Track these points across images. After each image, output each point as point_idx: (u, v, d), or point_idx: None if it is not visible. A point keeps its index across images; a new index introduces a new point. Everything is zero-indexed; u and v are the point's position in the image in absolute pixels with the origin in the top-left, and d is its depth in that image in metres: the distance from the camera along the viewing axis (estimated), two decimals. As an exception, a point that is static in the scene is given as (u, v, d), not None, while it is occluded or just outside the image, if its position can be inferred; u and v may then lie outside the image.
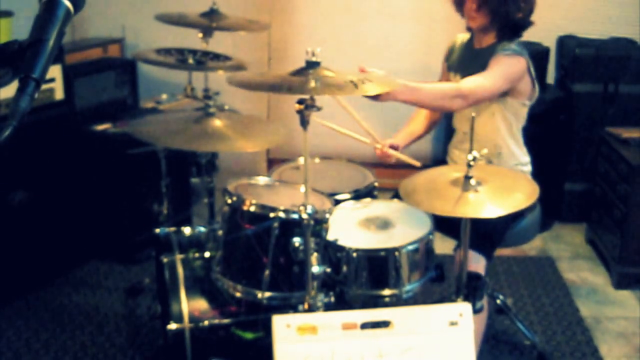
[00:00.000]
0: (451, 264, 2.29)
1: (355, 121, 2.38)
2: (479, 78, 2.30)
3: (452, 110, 2.41)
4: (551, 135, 3.72)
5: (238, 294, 2.08)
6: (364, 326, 1.44)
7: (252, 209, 2.04)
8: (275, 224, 1.99)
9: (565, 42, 3.89)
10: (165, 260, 2.38)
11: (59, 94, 3.15)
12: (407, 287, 2.04)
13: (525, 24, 2.41)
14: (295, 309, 2.05)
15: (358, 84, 1.86)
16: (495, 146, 2.44)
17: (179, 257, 2.40)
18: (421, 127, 2.68)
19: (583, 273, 3.41)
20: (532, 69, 2.40)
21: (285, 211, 2.00)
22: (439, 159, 2.68)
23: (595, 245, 3.61)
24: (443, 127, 3.58)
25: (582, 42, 3.81)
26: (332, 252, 2.03)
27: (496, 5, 2.34)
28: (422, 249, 2.07)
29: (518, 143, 2.51)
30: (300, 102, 1.80)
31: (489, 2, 2.34)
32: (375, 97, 2.07)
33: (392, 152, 2.46)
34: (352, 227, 2.14)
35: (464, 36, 2.60)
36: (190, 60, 2.56)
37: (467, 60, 2.51)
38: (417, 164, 2.46)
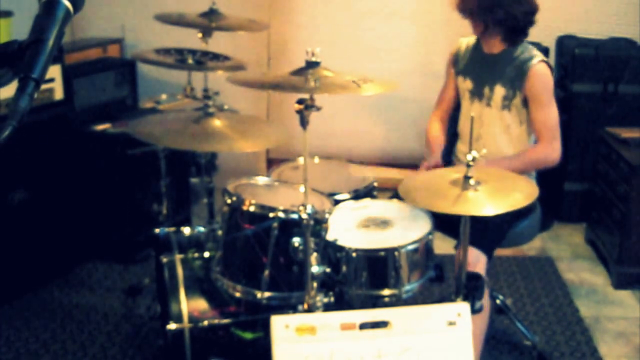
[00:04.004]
0: (451, 263, 2.29)
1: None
2: (541, 119, 2.41)
3: (555, 160, 2.46)
4: (551, 135, 3.72)
5: (237, 294, 2.08)
6: (363, 326, 1.44)
7: (252, 209, 2.04)
8: (275, 224, 1.99)
9: (565, 42, 3.90)
10: (164, 260, 2.38)
11: (59, 94, 3.15)
12: (407, 287, 2.04)
13: (527, 23, 2.41)
14: (294, 309, 2.05)
15: (360, 83, 1.87)
16: (503, 154, 2.46)
17: (178, 257, 2.40)
18: (443, 135, 2.70)
19: (583, 273, 3.41)
20: (548, 61, 2.44)
21: (284, 211, 2.00)
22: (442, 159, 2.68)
23: (595, 245, 3.61)
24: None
25: (581, 42, 3.81)
26: (331, 252, 2.03)
27: (483, 13, 2.35)
28: (422, 249, 2.07)
29: (525, 149, 2.52)
30: (300, 102, 1.80)
31: (476, 11, 2.36)
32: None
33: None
34: (351, 227, 2.14)
35: (469, 40, 2.60)
36: (190, 60, 2.56)
37: (477, 65, 2.52)
38: None
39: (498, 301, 2.79)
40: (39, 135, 3.02)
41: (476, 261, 2.18)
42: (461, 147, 2.64)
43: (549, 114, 2.42)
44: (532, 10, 2.40)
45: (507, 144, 2.49)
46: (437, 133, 2.66)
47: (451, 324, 1.46)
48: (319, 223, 1.93)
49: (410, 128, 4.02)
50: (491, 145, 2.46)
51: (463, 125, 2.63)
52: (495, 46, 2.47)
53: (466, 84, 2.55)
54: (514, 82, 2.41)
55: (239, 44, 3.87)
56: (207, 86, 2.56)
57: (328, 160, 2.66)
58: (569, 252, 3.63)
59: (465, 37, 2.62)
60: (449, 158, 2.68)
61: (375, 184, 2.45)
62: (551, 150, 2.42)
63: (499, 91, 2.44)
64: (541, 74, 2.39)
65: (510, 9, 2.35)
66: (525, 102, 2.43)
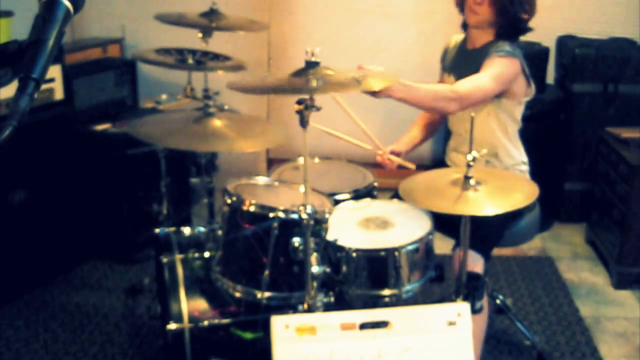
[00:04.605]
0: (450, 264, 2.29)
1: (358, 127, 2.38)
2: (473, 79, 2.29)
3: (447, 112, 2.39)
4: (551, 135, 3.72)
5: (238, 294, 2.08)
6: (363, 326, 1.44)
7: (252, 209, 2.04)
8: (275, 224, 1.99)
9: (565, 42, 3.90)
10: (165, 260, 2.39)
11: (59, 94, 3.15)
12: (407, 287, 2.04)
13: (526, 28, 2.41)
14: (294, 309, 2.05)
15: (360, 80, 1.87)
16: (491, 147, 2.43)
17: (178, 257, 2.40)
18: (422, 132, 2.68)
19: (583, 273, 3.41)
20: (526, 69, 2.39)
21: (284, 211, 1.99)
22: (438, 160, 2.67)
23: (595, 245, 3.61)
24: (442, 128, 3.58)
25: (582, 42, 3.81)
26: (331, 252, 2.03)
27: (505, 2, 2.33)
28: (422, 249, 2.07)
29: (514, 143, 2.50)
30: (299, 102, 1.80)
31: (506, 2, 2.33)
32: (372, 93, 2.08)
33: (393, 158, 2.46)
34: (351, 227, 2.14)
35: (458, 37, 2.60)
36: (190, 60, 2.56)
37: (460, 61, 2.51)
38: (412, 166, 2.46)
39: (498, 301, 2.79)
40: (39, 136, 3.02)
41: (473, 262, 2.17)
42: (452, 144, 2.63)
43: (482, 80, 2.28)
44: (533, 15, 2.41)
45: (492, 136, 2.46)
46: (415, 129, 2.67)
47: (451, 324, 1.46)
48: (319, 223, 1.93)
49: (411, 128, 4.02)
50: (478, 139, 2.40)
51: (452, 124, 2.61)
52: (481, 40, 2.44)
53: (450, 80, 2.54)
54: None
55: (239, 44, 3.87)
56: (207, 86, 2.56)
57: (328, 160, 2.66)
58: (569, 252, 3.63)
59: (456, 35, 2.62)
60: (442, 157, 2.67)
61: (376, 184, 2.46)
62: (455, 96, 2.23)
63: None
64: (498, 56, 2.32)
65: (526, 7, 2.35)
66: (500, 94, 2.37)
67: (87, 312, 2.97)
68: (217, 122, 2.27)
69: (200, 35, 2.68)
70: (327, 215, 1.96)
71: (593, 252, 3.61)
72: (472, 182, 1.89)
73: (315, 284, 1.90)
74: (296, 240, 1.96)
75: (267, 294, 2.03)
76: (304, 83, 1.83)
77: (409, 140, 2.63)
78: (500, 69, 2.32)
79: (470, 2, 2.37)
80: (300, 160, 2.48)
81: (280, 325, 1.43)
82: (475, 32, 2.45)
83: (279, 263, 2.01)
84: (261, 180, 2.34)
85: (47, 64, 0.90)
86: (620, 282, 3.25)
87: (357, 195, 2.35)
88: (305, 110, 1.79)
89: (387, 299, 2.02)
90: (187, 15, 2.77)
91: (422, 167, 2.57)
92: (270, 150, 4.30)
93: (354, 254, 2.01)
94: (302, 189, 1.93)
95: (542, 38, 3.76)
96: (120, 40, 4.09)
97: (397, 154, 2.50)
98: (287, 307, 2.06)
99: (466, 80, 2.30)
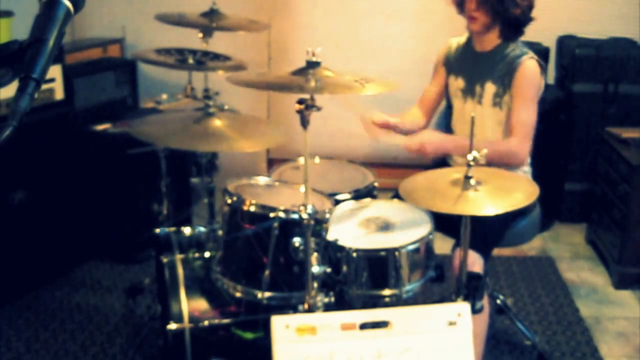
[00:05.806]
0: (450, 264, 2.28)
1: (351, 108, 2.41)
2: (520, 112, 2.35)
3: (521, 161, 2.41)
4: (551, 136, 3.72)
5: (238, 294, 2.08)
6: (363, 326, 1.44)
7: (252, 209, 2.04)
8: (275, 224, 1.99)
9: (565, 42, 3.90)
10: (165, 260, 2.38)
11: (59, 94, 3.16)
12: (407, 287, 2.04)
13: (526, 20, 2.42)
14: (295, 309, 2.04)
15: (362, 83, 1.87)
16: None
17: (179, 257, 2.40)
18: (415, 118, 2.70)
19: (583, 273, 3.41)
20: (540, 60, 2.42)
21: (285, 211, 1.99)
22: (439, 160, 2.68)
23: (595, 245, 3.61)
24: (443, 127, 3.58)
25: (582, 42, 3.81)
26: (332, 252, 2.03)
27: (495, 3, 2.34)
28: (422, 249, 2.07)
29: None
30: (300, 102, 1.80)
31: (487, 1, 2.34)
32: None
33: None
34: (352, 227, 2.14)
35: (459, 39, 2.61)
36: (190, 60, 2.56)
37: (469, 64, 2.52)
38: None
39: (498, 301, 2.79)
40: (40, 136, 3.02)
41: (473, 262, 2.17)
42: None
43: (527, 112, 2.37)
44: (532, 6, 2.41)
45: (499, 139, 2.47)
46: (411, 114, 2.70)
47: (451, 324, 1.46)
48: (319, 223, 1.93)
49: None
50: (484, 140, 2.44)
51: (455, 125, 2.62)
52: (490, 43, 2.46)
53: (458, 83, 2.55)
54: (504, 79, 2.40)
55: (239, 44, 3.87)
56: (207, 86, 2.56)
57: (328, 160, 2.66)
58: (569, 252, 3.63)
59: (455, 37, 2.63)
60: (443, 157, 2.68)
61: (376, 184, 2.45)
62: (521, 148, 2.36)
63: (490, 88, 2.44)
64: (529, 70, 2.37)
65: (519, 1, 2.37)
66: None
67: (87, 312, 2.97)
68: (217, 122, 2.27)
69: (200, 35, 2.68)
70: (327, 215, 1.96)
71: (593, 252, 3.61)
72: (472, 182, 1.88)
73: (315, 284, 1.90)
74: (296, 240, 1.96)
75: (267, 294, 2.02)
76: (303, 82, 1.83)
77: (403, 118, 2.63)
78: (530, 85, 2.37)
79: (467, 10, 2.42)
80: (301, 160, 2.48)
81: (281, 325, 1.43)
82: (481, 35, 2.47)
83: (279, 263, 2.01)
84: (261, 180, 2.34)
85: (48, 64, 0.90)
86: (620, 282, 3.25)
87: (358, 195, 2.35)
88: (305, 110, 1.79)
89: (387, 299, 2.02)
90: (187, 15, 2.78)
91: (423, 167, 2.57)
92: (270, 150, 4.30)
93: (355, 254, 2.01)
94: (302, 189, 1.93)
95: (542, 38, 3.76)
96: (121, 40, 4.09)
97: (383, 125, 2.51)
98: (287, 307, 2.06)
99: (512, 119, 2.36)
